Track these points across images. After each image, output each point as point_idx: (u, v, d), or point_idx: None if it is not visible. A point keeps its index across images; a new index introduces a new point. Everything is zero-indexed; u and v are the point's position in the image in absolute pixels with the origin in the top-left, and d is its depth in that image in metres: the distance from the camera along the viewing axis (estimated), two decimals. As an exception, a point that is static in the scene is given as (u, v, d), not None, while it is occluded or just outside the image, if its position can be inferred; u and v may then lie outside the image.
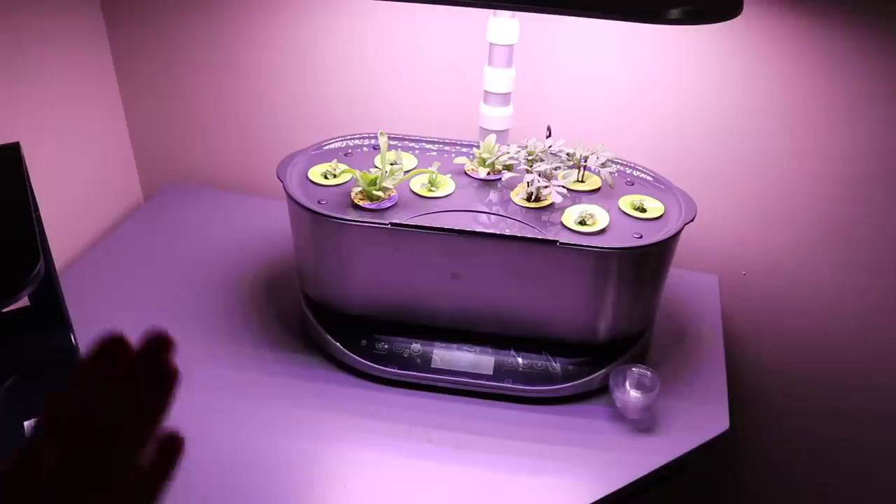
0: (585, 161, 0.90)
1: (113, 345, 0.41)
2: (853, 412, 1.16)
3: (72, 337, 0.83)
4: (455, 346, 0.88)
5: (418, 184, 0.90)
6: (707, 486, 1.34)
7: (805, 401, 1.19)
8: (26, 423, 0.75)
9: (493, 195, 0.89)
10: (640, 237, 0.82)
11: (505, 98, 0.93)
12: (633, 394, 0.85)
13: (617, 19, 0.74)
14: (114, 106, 1.21)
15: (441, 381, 0.86)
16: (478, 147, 0.95)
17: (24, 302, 0.75)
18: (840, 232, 1.05)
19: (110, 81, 1.19)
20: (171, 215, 1.19)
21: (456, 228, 0.80)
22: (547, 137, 0.91)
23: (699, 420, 0.85)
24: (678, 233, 0.83)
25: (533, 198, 0.88)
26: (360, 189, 0.87)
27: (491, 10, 0.88)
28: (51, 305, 0.82)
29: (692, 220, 0.84)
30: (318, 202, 0.85)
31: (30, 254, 0.61)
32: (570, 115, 1.06)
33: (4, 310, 0.78)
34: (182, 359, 0.98)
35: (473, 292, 0.85)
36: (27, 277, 0.58)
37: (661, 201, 0.88)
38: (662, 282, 0.88)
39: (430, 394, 0.87)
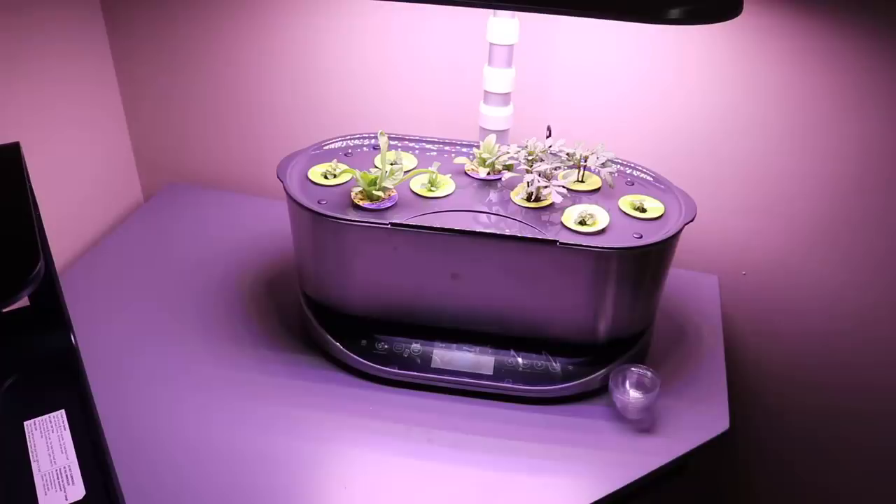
0: (585, 161, 0.90)
1: None
2: (853, 412, 1.16)
3: (72, 337, 0.83)
4: (455, 346, 0.88)
5: (418, 184, 0.90)
6: (707, 486, 1.34)
7: (805, 401, 1.19)
8: (26, 423, 0.75)
9: (493, 195, 0.89)
10: (640, 237, 0.82)
11: (505, 98, 0.93)
12: (633, 394, 0.86)
13: (616, 19, 0.74)
14: (114, 106, 1.21)
15: (441, 381, 0.86)
16: (478, 147, 0.95)
17: (23, 302, 0.75)
18: (840, 232, 1.05)
19: (110, 81, 1.19)
20: (171, 215, 1.19)
21: (456, 228, 0.80)
22: (547, 137, 0.91)
23: (699, 420, 0.85)
24: (678, 233, 0.83)
25: (533, 198, 0.88)
26: (360, 189, 0.87)
27: (491, 10, 0.88)
28: (51, 305, 0.82)
29: (692, 220, 0.84)
30: (318, 202, 0.85)
31: (30, 254, 0.61)
32: (570, 115, 1.06)
33: (4, 310, 0.78)
34: (182, 359, 0.99)
35: (473, 292, 0.85)
36: (27, 278, 0.58)
37: (661, 201, 0.88)
38: (662, 282, 0.88)
39: (430, 394, 0.87)
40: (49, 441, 0.74)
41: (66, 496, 0.69)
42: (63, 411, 0.76)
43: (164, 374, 0.89)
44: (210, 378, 0.89)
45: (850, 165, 1.00)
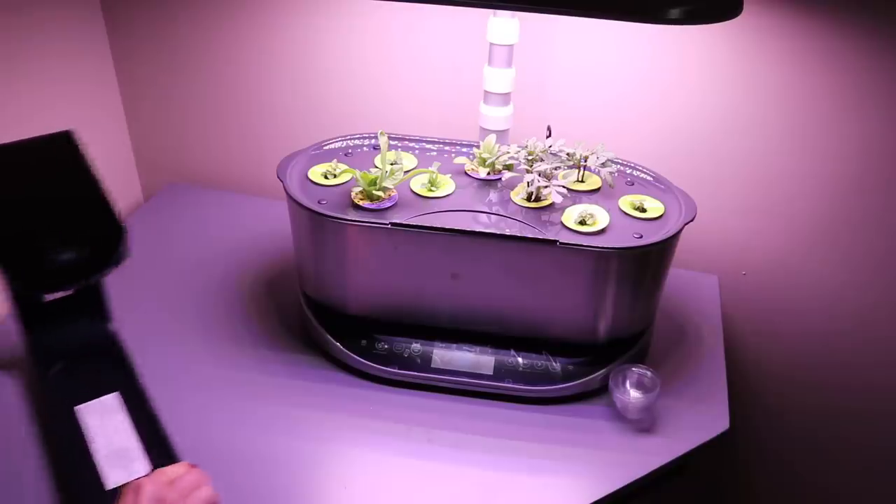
0: (585, 161, 0.90)
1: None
2: (853, 412, 1.16)
3: (112, 326, 0.86)
4: (455, 346, 0.88)
5: (418, 184, 0.90)
6: (707, 486, 1.34)
7: (805, 401, 1.19)
8: (79, 407, 0.78)
9: (493, 195, 0.89)
10: (640, 237, 0.82)
11: (505, 98, 0.93)
12: (633, 394, 0.86)
13: (617, 19, 0.74)
14: (114, 106, 1.21)
15: (441, 381, 0.86)
16: (478, 147, 0.95)
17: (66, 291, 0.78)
18: (840, 231, 1.05)
19: (110, 81, 1.19)
20: (171, 215, 1.19)
21: (456, 228, 0.80)
22: (547, 137, 0.91)
23: (699, 420, 0.85)
24: (678, 233, 0.83)
25: (533, 198, 0.88)
26: (360, 189, 0.87)
27: (491, 10, 0.88)
28: (93, 295, 0.85)
29: (692, 220, 0.84)
30: (318, 202, 0.85)
31: (115, 230, 0.63)
32: (570, 115, 1.06)
33: (50, 298, 0.83)
34: (182, 359, 0.99)
35: (473, 292, 0.85)
36: (118, 252, 0.60)
37: (661, 201, 0.88)
38: (662, 282, 0.88)
39: (430, 394, 0.87)
40: (105, 423, 0.76)
41: (129, 474, 0.70)
42: (114, 394, 0.79)
43: (164, 374, 0.89)
44: (210, 378, 0.88)
45: (850, 165, 1.00)
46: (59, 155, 0.73)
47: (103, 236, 0.64)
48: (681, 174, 1.01)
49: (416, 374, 0.86)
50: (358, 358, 0.88)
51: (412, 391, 0.87)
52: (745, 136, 1.02)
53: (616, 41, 1.01)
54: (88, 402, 0.78)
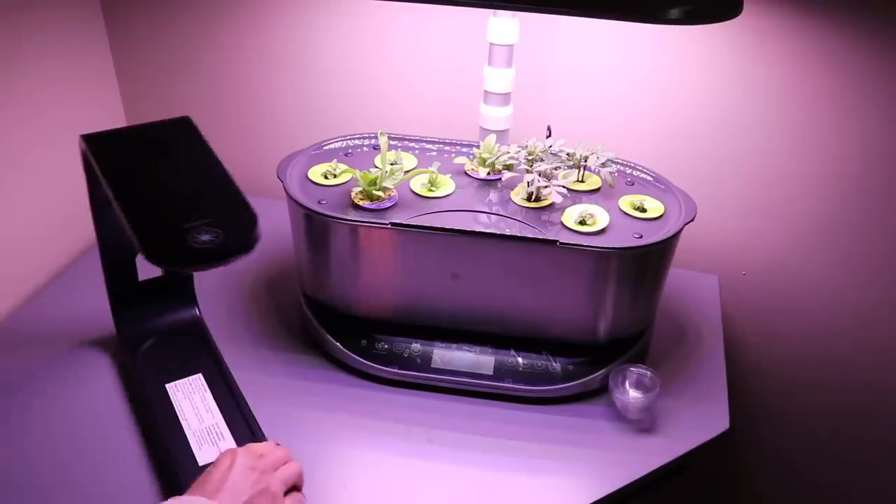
0: (585, 161, 0.90)
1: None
2: (854, 411, 1.17)
3: (198, 309, 0.91)
4: (455, 346, 0.88)
5: (418, 184, 0.90)
6: (707, 486, 1.34)
7: (805, 400, 1.19)
8: (169, 385, 0.81)
9: (493, 195, 0.89)
10: (640, 237, 0.82)
11: (505, 98, 0.93)
12: (633, 394, 0.86)
13: (617, 19, 0.74)
14: (114, 106, 1.21)
15: (441, 381, 0.86)
16: (478, 147, 0.95)
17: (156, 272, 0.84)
18: (840, 231, 1.05)
19: (110, 81, 1.19)
20: (172, 215, 1.19)
21: (456, 228, 0.80)
22: (547, 137, 0.91)
23: (699, 420, 0.85)
24: (678, 233, 0.83)
25: (533, 198, 0.88)
26: (360, 189, 0.87)
27: (491, 10, 0.88)
28: (183, 281, 0.90)
29: (692, 220, 0.84)
30: (318, 202, 0.85)
31: (248, 217, 0.64)
32: (570, 115, 1.06)
33: (143, 279, 0.88)
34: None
35: (473, 292, 0.85)
36: (251, 237, 0.62)
37: (661, 201, 0.88)
38: (662, 282, 0.88)
39: (430, 394, 0.87)
40: (193, 402, 0.80)
41: (219, 450, 0.74)
42: (201, 375, 0.83)
43: (165, 374, 0.89)
44: (210, 378, 0.88)
45: (850, 165, 1.00)
46: (183, 140, 0.74)
47: (238, 221, 0.65)
48: (681, 174, 1.01)
49: (416, 374, 0.86)
50: (358, 358, 0.88)
51: (412, 391, 0.87)
52: (745, 136, 1.02)
53: (616, 41, 1.01)
54: (177, 381, 0.82)
